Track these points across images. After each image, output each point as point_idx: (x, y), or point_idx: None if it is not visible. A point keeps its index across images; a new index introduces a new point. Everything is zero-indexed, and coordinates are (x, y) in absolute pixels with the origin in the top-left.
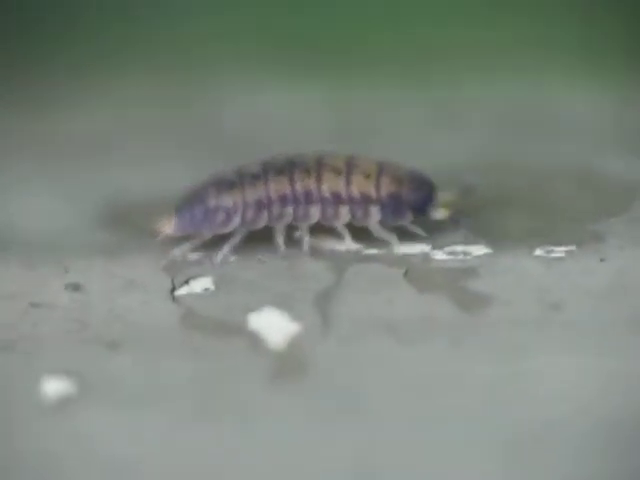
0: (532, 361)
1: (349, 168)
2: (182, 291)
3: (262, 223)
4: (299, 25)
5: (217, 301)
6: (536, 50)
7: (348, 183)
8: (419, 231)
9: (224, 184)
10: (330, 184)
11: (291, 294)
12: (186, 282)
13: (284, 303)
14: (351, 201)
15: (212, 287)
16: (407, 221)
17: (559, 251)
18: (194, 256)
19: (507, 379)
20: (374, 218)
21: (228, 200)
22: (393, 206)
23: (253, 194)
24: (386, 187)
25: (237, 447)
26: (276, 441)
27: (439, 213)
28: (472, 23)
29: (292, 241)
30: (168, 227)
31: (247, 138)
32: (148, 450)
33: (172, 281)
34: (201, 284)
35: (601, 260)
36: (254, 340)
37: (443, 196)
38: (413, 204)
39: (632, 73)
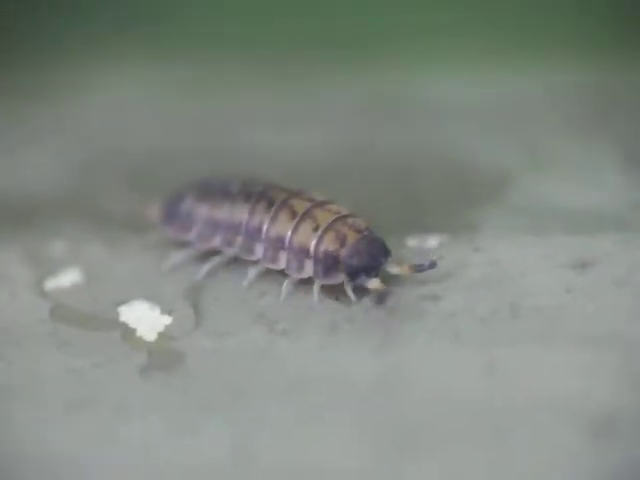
0: (412, 351)
1: (304, 215)
2: (50, 284)
3: (214, 244)
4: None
5: (86, 294)
6: (407, 37)
7: (295, 231)
8: (350, 294)
9: (203, 192)
10: (279, 227)
11: (161, 287)
12: (54, 275)
13: (155, 296)
14: (290, 249)
15: (81, 280)
16: (337, 282)
17: (432, 241)
18: (61, 249)
19: (387, 371)
20: (306, 272)
21: (197, 209)
22: (326, 265)
23: (216, 212)
24: (326, 244)
25: (110, 439)
26: (150, 432)
27: (372, 284)
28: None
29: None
30: (153, 212)
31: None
32: (18, 444)
33: (39, 274)
34: (70, 277)
35: (475, 250)
36: (125, 333)
37: (393, 268)
38: (346, 269)
39: (499, 57)
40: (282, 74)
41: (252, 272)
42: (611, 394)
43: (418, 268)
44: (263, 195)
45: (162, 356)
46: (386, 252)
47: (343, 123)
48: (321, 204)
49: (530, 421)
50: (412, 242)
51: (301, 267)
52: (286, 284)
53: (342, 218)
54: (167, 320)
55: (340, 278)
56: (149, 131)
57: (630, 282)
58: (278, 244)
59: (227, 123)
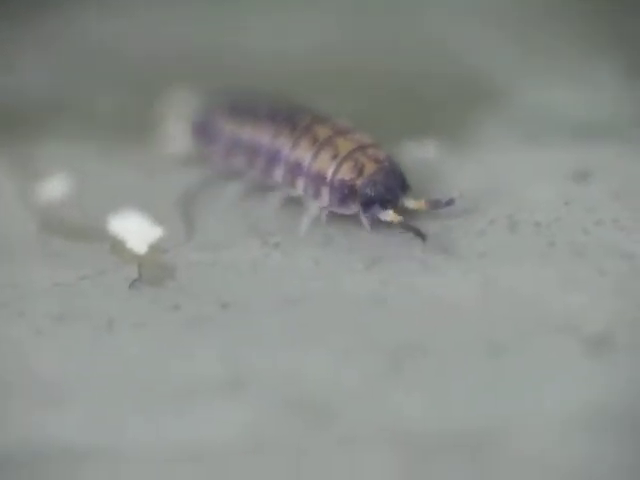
0: (407, 265)
1: (325, 142)
2: (39, 193)
3: (236, 163)
4: None
5: (76, 204)
6: None
7: (314, 157)
8: (366, 225)
9: (232, 109)
10: (300, 152)
11: (153, 198)
12: (43, 184)
13: (146, 207)
14: (308, 175)
15: (71, 189)
16: (351, 212)
17: (430, 149)
18: (50, 156)
19: (381, 284)
20: (323, 200)
21: (224, 126)
22: (341, 193)
23: (240, 131)
24: (343, 172)
25: (99, 354)
26: (139, 347)
27: (386, 216)
28: None
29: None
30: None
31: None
32: (10, 357)
33: (27, 183)
34: (59, 186)
35: (472, 160)
36: (114, 245)
37: (410, 202)
38: (362, 199)
39: None
40: None
41: (274, 198)
42: (610, 310)
43: (435, 204)
44: (288, 118)
45: (152, 269)
46: (404, 185)
47: (342, 23)
48: (344, 132)
49: (526, 335)
50: (410, 149)
51: (317, 194)
52: (306, 219)
53: (362, 148)
54: (158, 232)
55: (355, 208)
56: (148, 35)
57: (629, 194)
58: (297, 169)
59: (224, 21)
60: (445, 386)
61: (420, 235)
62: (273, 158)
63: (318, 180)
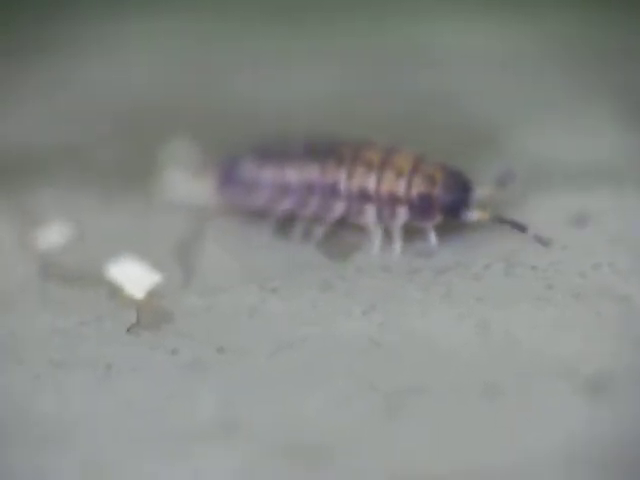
0: (404, 309)
1: (383, 164)
2: (37, 240)
3: (286, 206)
4: None
5: (74, 251)
6: None
7: (379, 181)
8: (432, 239)
9: (263, 156)
10: (360, 180)
11: (150, 244)
12: (42, 231)
13: (143, 253)
14: (379, 200)
15: (69, 236)
16: (435, 223)
17: None
18: (49, 203)
19: (379, 328)
20: (400, 219)
21: (261, 173)
22: (422, 207)
23: (283, 174)
24: (417, 187)
25: (97, 399)
26: (137, 392)
27: (474, 215)
28: None
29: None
30: (210, 177)
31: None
32: (9, 404)
33: (26, 230)
34: (57, 233)
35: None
36: (113, 291)
37: (481, 191)
38: (444, 206)
39: (499, 7)
40: (284, 19)
41: (319, 231)
42: (607, 352)
43: (501, 183)
44: (330, 151)
45: (151, 314)
46: (470, 183)
47: (344, 69)
48: (393, 151)
49: (523, 378)
50: None
51: (393, 215)
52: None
53: (420, 159)
54: (156, 278)
55: (438, 218)
56: (150, 83)
57: (626, 238)
58: (362, 198)
59: (228, 71)
60: (443, 429)
61: (518, 226)
62: (329, 194)
63: (392, 201)
